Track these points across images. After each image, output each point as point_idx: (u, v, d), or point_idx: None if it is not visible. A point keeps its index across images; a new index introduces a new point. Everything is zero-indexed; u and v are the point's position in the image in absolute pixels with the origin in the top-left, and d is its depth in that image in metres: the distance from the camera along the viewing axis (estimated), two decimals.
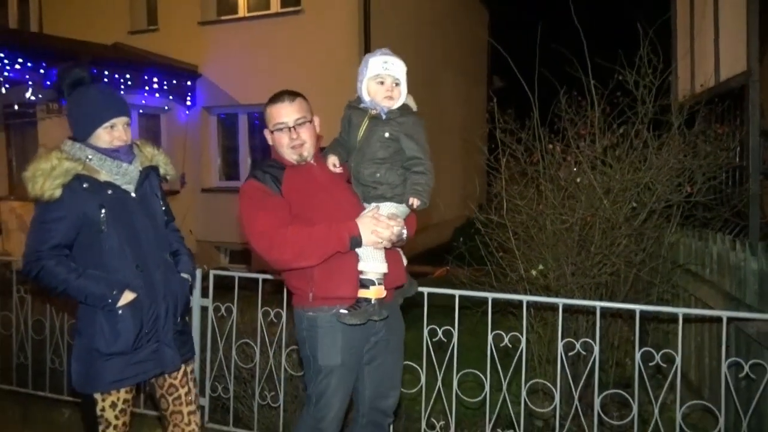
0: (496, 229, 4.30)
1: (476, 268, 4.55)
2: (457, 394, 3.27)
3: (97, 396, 2.58)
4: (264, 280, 3.75)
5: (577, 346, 3.02)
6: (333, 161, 2.64)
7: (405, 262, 2.79)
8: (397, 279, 2.66)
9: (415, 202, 2.45)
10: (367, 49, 9.61)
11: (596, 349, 3.00)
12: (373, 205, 2.53)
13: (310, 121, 2.65)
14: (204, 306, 3.84)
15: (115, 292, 2.51)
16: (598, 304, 3.11)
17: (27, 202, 10.47)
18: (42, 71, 8.43)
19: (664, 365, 2.90)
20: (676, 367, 2.87)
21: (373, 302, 2.45)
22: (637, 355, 2.92)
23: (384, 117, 2.50)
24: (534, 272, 3.95)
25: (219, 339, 3.77)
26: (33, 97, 8.88)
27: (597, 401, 3.01)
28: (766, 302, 3.13)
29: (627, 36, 4.49)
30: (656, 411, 2.90)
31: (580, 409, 3.13)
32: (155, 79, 9.81)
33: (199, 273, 3.64)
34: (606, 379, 4.00)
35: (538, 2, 11.85)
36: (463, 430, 3.79)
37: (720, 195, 4.68)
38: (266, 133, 2.69)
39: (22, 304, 4.48)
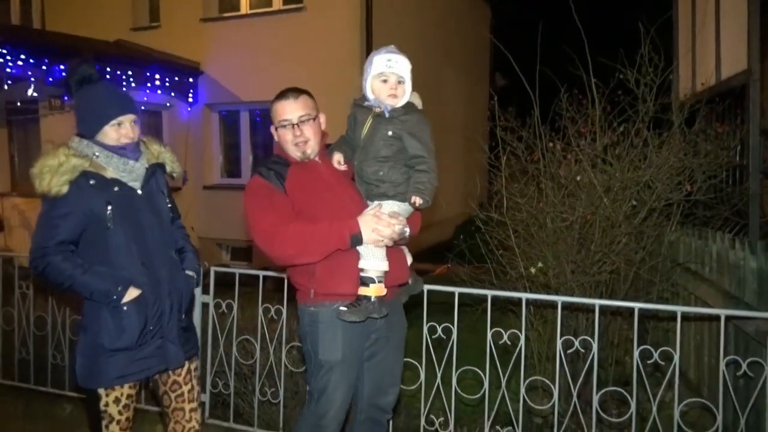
0: (496, 226, 4.31)
1: (476, 265, 4.56)
2: (456, 391, 3.29)
3: (101, 391, 2.60)
4: (264, 277, 3.76)
5: (576, 343, 3.04)
6: (338, 159, 2.65)
7: (410, 260, 2.80)
8: (399, 277, 2.67)
9: (417, 200, 2.44)
10: (369, 46, 9.61)
11: (595, 346, 3.01)
12: (376, 203, 2.53)
13: (314, 119, 2.65)
14: (205, 302, 3.86)
15: (119, 289, 2.52)
16: (597, 301, 3.12)
17: (29, 198, 10.52)
18: (44, 68, 8.44)
19: (662, 363, 2.91)
20: (675, 364, 2.89)
21: (372, 300, 2.46)
22: (636, 353, 2.93)
23: (387, 115, 2.50)
24: (533, 270, 3.96)
25: (220, 335, 3.79)
26: (35, 94, 8.89)
27: (595, 398, 3.02)
28: (764, 301, 3.14)
29: (628, 34, 4.50)
30: (654, 408, 2.92)
31: (578, 407, 3.15)
32: (157, 76, 9.81)
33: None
34: (605, 377, 4.01)
35: (541, 1, 11.84)
36: (462, 427, 3.80)
37: (720, 194, 4.68)
38: (272, 129, 2.70)
39: (24, 300, 4.50)
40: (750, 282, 3.27)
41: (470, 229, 4.86)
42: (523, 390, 3.16)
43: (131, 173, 2.64)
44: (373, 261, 2.48)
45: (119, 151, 2.62)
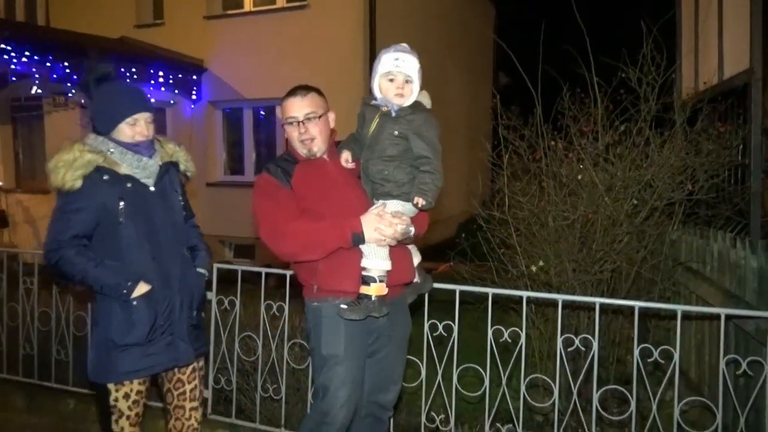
0: (498, 225, 4.32)
1: (478, 264, 4.57)
2: (457, 388, 3.30)
3: (111, 386, 2.63)
4: (267, 274, 3.79)
5: (576, 341, 3.04)
6: (346, 157, 2.66)
7: (418, 259, 2.80)
8: (402, 276, 2.68)
9: (420, 201, 2.44)
10: (373, 44, 9.62)
11: (595, 344, 3.02)
12: (380, 202, 2.53)
13: (321, 116, 2.66)
14: (208, 299, 3.88)
15: (130, 283, 2.55)
16: (598, 300, 3.13)
17: (34, 194, 10.57)
18: (49, 64, 8.47)
19: (663, 361, 2.91)
20: (675, 363, 2.90)
21: (373, 299, 2.47)
22: (636, 352, 2.94)
23: (394, 114, 2.49)
24: (534, 268, 3.97)
25: (222, 332, 3.81)
26: (39, 91, 8.92)
27: (596, 397, 3.03)
28: (765, 300, 3.14)
29: (631, 33, 4.50)
30: (654, 407, 2.93)
31: (579, 405, 3.16)
32: (161, 73, 9.84)
33: None
34: (607, 375, 4.02)
35: (544, 0, 11.82)
36: (463, 425, 3.81)
37: (722, 193, 4.69)
38: (282, 126, 2.72)
39: (28, 295, 4.52)
40: (750, 281, 3.27)
41: (472, 227, 4.88)
42: (523, 388, 3.17)
43: (145, 170, 2.67)
44: (375, 260, 2.49)
45: (133, 147, 2.65)
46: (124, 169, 2.62)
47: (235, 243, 11.00)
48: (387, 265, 2.51)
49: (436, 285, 3.27)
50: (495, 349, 3.19)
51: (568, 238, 3.96)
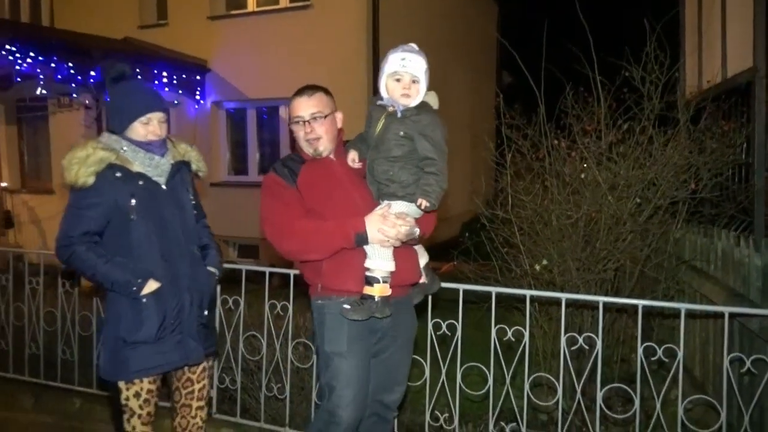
0: (501, 224, 4.32)
1: (482, 263, 4.57)
2: (461, 387, 3.31)
3: (122, 385, 2.65)
4: (271, 274, 3.80)
5: (580, 340, 3.05)
6: (352, 157, 2.66)
7: (426, 259, 2.79)
8: (407, 277, 2.68)
9: (423, 203, 2.43)
10: (376, 43, 9.62)
11: (599, 343, 3.02)
12: (385, 203, 2.53)
13: (327, 116, 2.65)
14: None
15: (139, 281, 2.58)
16: (601, 299, 3.13)
17: (39, 194, 10.61)
18: (53, 65, 8.49)
19: (667, 360, 2.91)
20: (678, 361, 2.90)
21: (376, 299, 2.47)
22: (640, 350, 2.94)
23: (399, 115, 2.48)
24: (538, 267, 3.97)
25: (227, 331, 3.82)
26: (44, 91, 8.95)
27: (599, 395, 3.03)
28: None
29: (634, 32, 4.49)
30: (658, 405, 2.93)
31: (583, 404, 3.16)
32: (165, 74, 9.85)
33: None
34: (611, 374, 4.02)
35: None
36: (467, 423, 3.82)
37: (725, 191, 4.68)
38: (290, 125, 2.74)
39: (34, 295, 4.54)
40: (754, 279, 3.27)
41: (476, 226, 4.88)
42: (527, 387, 3.18)
43: (156, 168, 2.70)
44: (378, 261, 2.49)
45: (146, 146, 2.68)
46: (136, 167, 2.65)
47: (239, 243, 11.02)
48: (390, 266, 2.51)
49: (441, 284, 3.28)
50: (499, 348, 3.19)
51: (572, 237, 3.96)
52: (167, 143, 2.80)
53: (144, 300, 2.58)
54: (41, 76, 8.66)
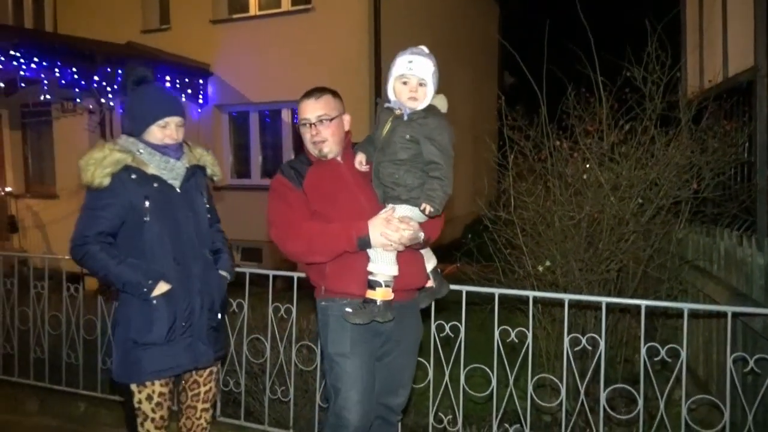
0: (504, 225, 4.32)
1: (485, 264, 4.57)
2: (464, 389, 3.31)
3: (134, 387, 2.67)
4: (275, 277, 3.81)
5: (583, 341, 3.04)
6: (360, 159, 2.65)
7: (433, 263, 2.78)
8: (411, 281, 2.67)
9: (427, 207, 2.41)
10: (378, 46, 9.63)
11: (602, 344, 3.02)
12: (390, 206, 2.52)
13: (333, 119, 2.64)
14: None
15: (150, 282, 2.59)
16: (604, 299, 3.13)
17: (43, 199, 10.63)
18: (57, 70, 8.53)
19: (670, 360, 2.91)
20: (682, 361, 2.89)
21: (378, 303, 2.46)
22: (643, 350, 2.94)
23: (406, 118, 2.47)
24: (541, 268, 3.97)
25: (230, 334, 3.82)
26: (48, 96, 8.99)
27: (603, 396, 3.03)
28: None
29: (635, 32, 4.50)
30: (662, 405, 2.92)
31: (586, 405, 3.16)
32: (168, 78, 9.89)
33: None
34: (615, 375, 4.02)
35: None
36: (470, 425, 3.82)
37: (728, 191, 4.67)
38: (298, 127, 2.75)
39: (38, 299, 4.57)
40: (757, 278, 3.27)
41: (479, 227, 4.88)
42: (531, 388, 3.17)
43: (171, 171, 2.73)
44: (381, 265, 2.48)
45: (162, 149, 2.71)
46: (151, 170, 2.68)
47: (243, 246, 11.02)
48: (393, 270, 2.50)
49: None
50: (502, 349, 3.19)
51: (575, 238, 3.97)
52: (183, 147, 2.83)
53: (154, 302, 2.60)
54: (45, 81, 8.69)
